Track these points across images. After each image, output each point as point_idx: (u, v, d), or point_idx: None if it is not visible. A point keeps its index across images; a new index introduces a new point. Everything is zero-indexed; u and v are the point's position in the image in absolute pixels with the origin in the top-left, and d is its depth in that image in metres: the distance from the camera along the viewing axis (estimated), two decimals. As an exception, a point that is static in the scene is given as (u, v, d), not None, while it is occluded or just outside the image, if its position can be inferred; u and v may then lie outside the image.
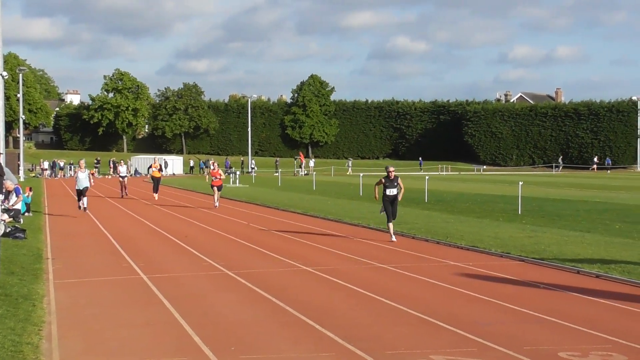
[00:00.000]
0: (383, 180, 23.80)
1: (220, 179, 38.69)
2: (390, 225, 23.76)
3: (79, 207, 33.38)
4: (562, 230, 25.12)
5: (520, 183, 36.77)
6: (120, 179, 49.05)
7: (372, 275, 16.89)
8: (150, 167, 47.30)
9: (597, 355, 10.05)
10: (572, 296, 14.32)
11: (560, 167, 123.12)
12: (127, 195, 47.86)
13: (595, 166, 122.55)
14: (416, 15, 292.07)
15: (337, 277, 16.61)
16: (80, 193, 33.19)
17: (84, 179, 32.91)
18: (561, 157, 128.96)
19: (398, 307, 13.24)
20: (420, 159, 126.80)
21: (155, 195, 44.22)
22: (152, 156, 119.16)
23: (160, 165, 47.40)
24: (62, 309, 13.22)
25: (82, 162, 34.44)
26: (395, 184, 23.83)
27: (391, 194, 23.77)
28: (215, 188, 38.29)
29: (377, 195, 25.25)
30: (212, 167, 39.79)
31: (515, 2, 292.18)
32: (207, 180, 38.79)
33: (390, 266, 18.15)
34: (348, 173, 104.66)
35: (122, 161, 55.77)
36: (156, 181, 45.17)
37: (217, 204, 37.91)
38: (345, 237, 24.49)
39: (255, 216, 32.92)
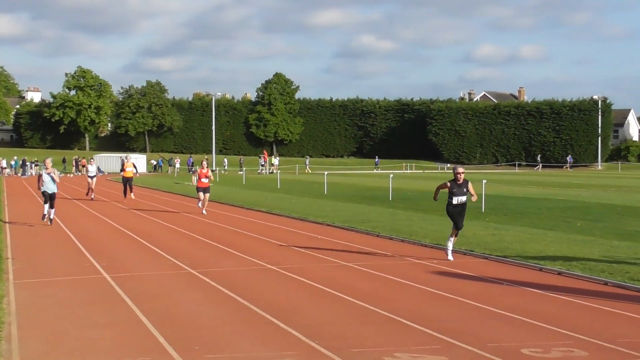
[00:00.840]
0: (449, 185, 19.25)
1: (209, 180, 33.50)
2: (452, 241, 19.39)
3: (43, 216, 27.78)
4: (525, 228, 25.28)
5: (484, 181, 36.96)
6: (89, 179, 44.71)
7: (337, 274, 16.91)
8: (123, 165, 42.94)
9: (559, 351, 10.13)
10: (534, 293, 14.42)
11: (540, 167, 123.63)
12: (93, 199, 43.32)
13: (568, 165, 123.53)
14: (382, 14, 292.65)
15: (302, 275, 16.61)
16: (48, 198, 27.56)
17: (49, 181, 27.63)
18: (539, 155, 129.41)
19: (363, 305, 13.26)
20: (376, 157, 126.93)
21: (131, 195, 41.73)
22: (115, 155, 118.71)
23: (134, 164, 43.13)
24: (23, 309, 13.11)
25: (49, 161, 28.85)
26: (465, 189, 19.14)
27: (459, 202, 19.06)
28: (201, 192, 33.16)
29: (437, 197, 20.43)
30: (201, 167, 33.99)
31: (480, 1, 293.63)
32: (192, 183, 34.84)
33: (355, 264, 18.18)
34: (306, 171, 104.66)
35: (91, 159, 49.65)
36: (128, 181, 42.04)
37: (204, 210, 33.00)
38: (309, 235, 24.49)
39: (220, 215, 32.83)
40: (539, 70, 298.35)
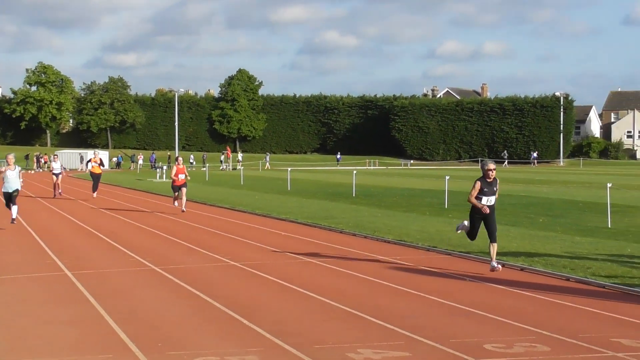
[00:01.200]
0: (479, 184, 16.30)
1: (185, 177, 32.07)
2: (494, 248, 16.42)
3: (13, 220, 25.91)
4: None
5: (447, 177, 37.12)
6: (54, 176, 43.14)
7: (300, 270, 16.91)
8: (90, 161, 42.94)
9: (521, 346, 10.18)
10: (497, 289, 14.49)
11: (506, 163, 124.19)
12: (60, 194, 42.74)
13: (535, 162, 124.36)
14: (346, 10, 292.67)
15: (265, 272, 16.59)
16: (9, 198, 25.81)
17: (13, 179, 25.62)
18: (505, 152, 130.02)
19: (326, 302, 13.27)
20: (338, 154, 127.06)
21: (94, 194, 40.68)
22: (77, 151, 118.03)
23: (101, 160, 42.64)
24: (-15, 306, 13.01)
25: (11, 157, 26.13)
26: (495, 188, 16.43)
27: (489, 203, 16.30)
28: (181, 189, 31.64)
29: (481, 206, 16.27)
30: (177, 163, 32.75)
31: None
32: (173, 176, 31.88)
33: (318, 261, 18.19)
34: (266, 167, 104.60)
35: (55, 156, 48.00)
36: (96, 178, 41.10)
37: (184, 208, 31.65)
38: (273, 232, 24.47)
39: (182, 211, 32.72)
40: (502, 66, 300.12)
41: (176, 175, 31.74)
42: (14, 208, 25.74)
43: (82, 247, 21.42)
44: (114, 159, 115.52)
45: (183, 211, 31.22)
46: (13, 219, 25.83)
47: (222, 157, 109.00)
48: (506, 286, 14.69)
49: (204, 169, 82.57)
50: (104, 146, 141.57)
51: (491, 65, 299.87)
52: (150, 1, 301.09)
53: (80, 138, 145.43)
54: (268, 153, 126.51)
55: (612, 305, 12.79)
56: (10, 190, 25.70)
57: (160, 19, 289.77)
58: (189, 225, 27.03)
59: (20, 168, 26.63)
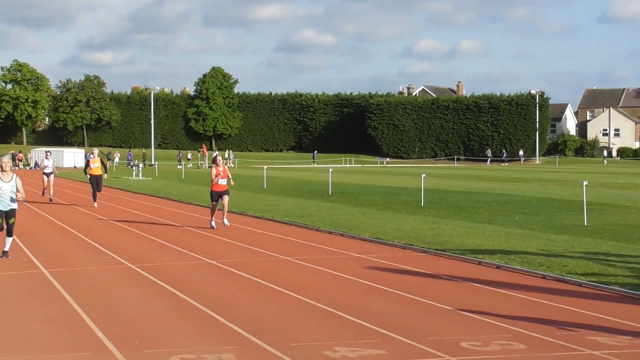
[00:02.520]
0: None
1: (228, 182, 24.90)
2: None
3: (4, 253, 18.35)
4: (464, 222, 25.47)
5: (423, 175, 37.19)
6: (45, 176, 38.45)
7: (276, 268, 16.89)
8: (88, 162, 35.77)
9: (498, 344, 10.21)
10: (473, 287, 14.53)
11: (489, 160, 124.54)
12: (52, 199, 37.65)
13: (522, 159, 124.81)
14: (322, 8, 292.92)
15: (241, 269, 16.56)
16: (3, 223, 17.93)
17: (8, 193, 17.76)
18: (488, 150, 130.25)
19: (302, 300, 13.26)
20: (315, 152, 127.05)
21: (94, 204, 34.32)
22: (53, 149, 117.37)
23: (101, 161, 36.18)
24: (-40, 305, 12.93)
25: (6, 160, 17.70)
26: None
27: None
28: (222, 197, 24.60)
29: None
30: (216, 163, 24.84)
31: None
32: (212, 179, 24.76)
33: (294, 259, 18.18)
34: (229, 165, 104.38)
35: (48, 153, 41.85)
36: (96, 182, 34.73)
37: (226, 220, 24.69)
38: (248, 230, 24.43)
39: (158, 209, 32.64)
40: (478, 65, 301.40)
41: (216, 178, 24.58)
42: (8, 240, 18.27)
43: (58, 244, 21.32)
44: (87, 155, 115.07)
45: (226, 225, 24.48)
46: (5, 252, 18.33)
47: (180, 156, 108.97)
48: (482, 284, 14.72)
49: (180, 167, 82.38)
50: (80, 144, 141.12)
51: (467, 63, 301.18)
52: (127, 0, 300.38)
53: (56, 136, 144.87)
54: (230, 151, 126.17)
55: (589, 303, 12.84)
56: (6, 209, 17.84)
57: (137, 17, 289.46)
58: (164, 222, 26.95)
59: (17, 177, 18.10)
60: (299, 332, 10.93)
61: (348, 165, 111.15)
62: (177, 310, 12.56)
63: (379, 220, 26.26)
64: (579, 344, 10.17)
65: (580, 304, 12.81)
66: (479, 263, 17.18)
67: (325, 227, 24.50)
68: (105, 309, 12.60)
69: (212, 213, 25.06)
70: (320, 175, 66.32)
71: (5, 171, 17.84)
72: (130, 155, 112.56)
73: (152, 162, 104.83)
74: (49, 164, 39.04)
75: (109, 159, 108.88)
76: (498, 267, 16.70)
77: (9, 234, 18.18)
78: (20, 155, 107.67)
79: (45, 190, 38.47)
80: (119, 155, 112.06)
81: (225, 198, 24.55)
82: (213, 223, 24.77)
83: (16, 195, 17.91)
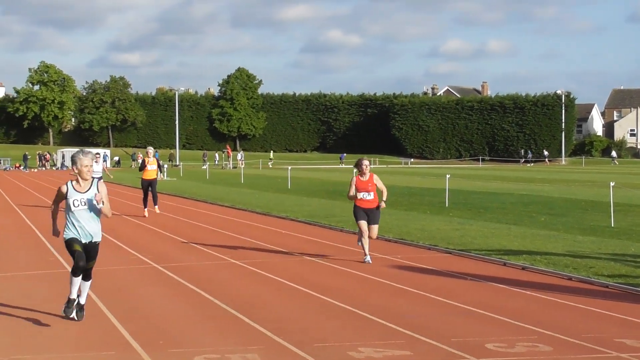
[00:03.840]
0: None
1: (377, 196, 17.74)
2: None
3: (71, 309, 11.68)
4: (489, 223, 25.36)
5: (448, 176, 37.09)
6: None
7: (301, 269, 16.88)
8: (144, 164, 30.83)
9: (523, 346, 10.15)
10: (498, 288, 14.46)
11: (523, 161, 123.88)
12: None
13: (547, 160, 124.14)
14: (350, 8, 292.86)
15: (266, 270, 16.56)
16: (83, 264, 11.59)
17: (87, 206, 11.62)
18: (523, 150, 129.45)
19: (326, 300, 13.24)
20: (343, 154, 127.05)
21: (156, 207, 30.56)
22: (79, 149, 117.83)
23: (158, 162, 31.56)
24: (-14, 304, 12.98)
25: (86, 161, 11.65)
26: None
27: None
28: (370, 216, 17.55)
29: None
30: (362, 169, 17.51)
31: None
32: (351, 193, 17.63)
33: (319, 259, 18.15)
34: (240, 165, 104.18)
35: (97, 155, 33.99)
36: (149, 186, 30.22)
37: (368, 255, 17.48)
38: (273, 230, 24.43)
39: (183, 209, 32.70)
40: (505, 64, 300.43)
41: (358, 189, 17.54)
42: (84, 286, 11.76)
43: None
44: (116, 158, 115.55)
45: (367, 262, 17.34)
46: (78, 305, 11.70)
47: (223, 155, 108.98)
48: (508, 285, 14.65)
49: (204, 167, 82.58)
50: (106, 145, 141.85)
51: (494, 63, 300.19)
52: (156, 0, 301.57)
53: (82, 137, 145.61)
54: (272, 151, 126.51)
55: (616, 305, 12.73)
56: (83, 239, 11.70)
57: (166, 18, 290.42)
58: (189, 222, 27.00)
59: (100, 184, 11.82)
60: (323, 333, 10.91)
61: (372, 166, 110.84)
62: (202, 310, 12.57)
63: (404, 220, 26.20)
64: (606, 347, 10.09)
65: (607, 305, 12.71)
66: (504, 264, 17.10)
67: (350, 227, 24.42)
68: (131, 308, 12.63)
69: (360, 236, 17.78)
70: (344, 175, 66.25)
71: (84, 179, 11.53)
72: (157, 155, 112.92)
73: (177, 163, 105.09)
74: (97, 169, 31.03)
75: (133, 160, 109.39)
76: (523, 268, 16.61)
77: (88, 276, 11.78)
78: (48, 155, 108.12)
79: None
80: (141, 155, 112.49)
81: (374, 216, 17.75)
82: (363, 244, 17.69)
83: (99, 206, 11.58)
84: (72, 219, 11.63)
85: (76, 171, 11.62)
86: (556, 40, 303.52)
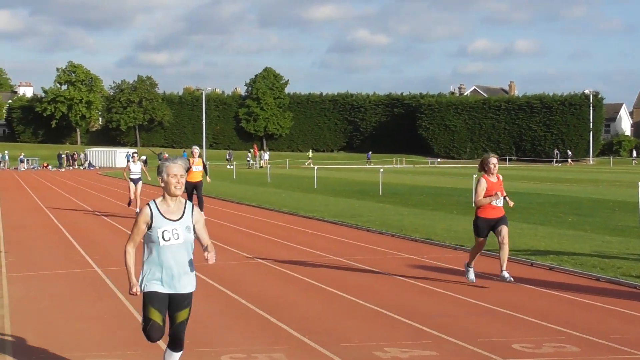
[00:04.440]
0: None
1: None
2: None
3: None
4: (516, 223, 25.24)
5: (474, 176, 36.91)
6: (132, 183, 30.03)
7: (327, 268, 16.88)
8: (190, 163, 26.81)
9: (550, 346, 10.11)
10: (525, 288, 14.40)
11: (555, 161, 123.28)
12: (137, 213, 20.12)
13: (570, 160, 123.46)
14: (377, 8, 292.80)
15: (292, 269, 16.58)
16: (173, 311, 8.64)
17: (182, 241, 8.49)
18: (556, 150, 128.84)
19: (352, 300, 13.24)
20: (369, 153, 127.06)
21: (202, 215, 24.40)
22: (107, 149, 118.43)
23: (204, 163, 28.76)
24: (15, 302, 13.07)
25: (175, 168, 8.15)
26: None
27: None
28: (499, 230, 14.66)
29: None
30: (490, 168, 15.79)
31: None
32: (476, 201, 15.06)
33: (345, 259, 18.15)
34: (262, 165, 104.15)
35: (134, 154, 31.77)
36: (194, 189, 27.37)
37: (507, 272, 14.65)
38: (299, 230, 24.46)
39: (210, 209, 32.79)
40: (533, 64, 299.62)
41: (487, 194, 14.89)
42: (173, 357, 8.78)
43: (108, 241, 21.46)
44: (143, 157, 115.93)
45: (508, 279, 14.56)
46: None
47: (249, 155, 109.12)
48: (534, 286, 14.59)
49: (230, 167, 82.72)
50: (133, 144, 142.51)
51: (522, 62, 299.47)
52: (184, 0, 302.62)
53: (109, 136, 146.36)
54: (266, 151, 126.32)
55: (642, 305, 12.68)
56: (169, 290, 8.51)
57: (193, 17, 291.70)
58: (215, 222, 27.05)
59: (196, 212, 8.66)
60: (349, 332, 10.91)
61: (399, 166, 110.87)
62: (228, 309, 12.60)
63: (430, 220, 26.16)
64: (634, 347, 10.04)
65: (635, 306, 12.64)
66: (531, 264, 17.04)
67: (376, 227, 24.44)
68: (157, 307, 12.66)
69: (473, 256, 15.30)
70: (370, 175, 66.23)
71: (174, 195, 8.27)
72: (185, 155, 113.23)
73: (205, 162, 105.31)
74: (136, 168, 30.43)
75: (159, 159, 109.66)
76: (550, 268, 16.55)
77: (177, 346, 8.76)
78: (76, 155, 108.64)
79: (132, 201, 30.06)
80: (167, 155, 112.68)
81: (504, 230, 14.70)
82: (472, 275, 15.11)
83: (206, 256, 8.57)
84: (157, 258, 8.34)
85: (162, 184, 8.25)
86: (585, 39, 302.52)
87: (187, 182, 23.07)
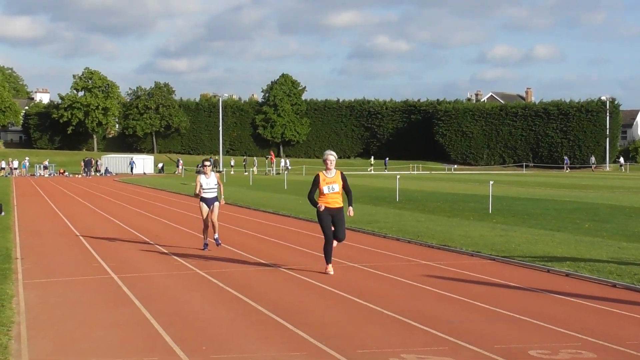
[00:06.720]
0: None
1: None
2: None
3: None
4: (532, 229, 25.22)
5: (491, 182, 36.90)
6: (204, 205, 21.11)
7: (343, 274, 16.88)
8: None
9: (566, 353, 10.10)
10: (542, 295, 14.38)
11: (566, 167, 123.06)
12: (220, 243, 21.18)
13: (593, 166, 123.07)
14: (398, 14, 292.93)
15: (308, 276, 16.59)
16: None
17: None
18: (565, 157, 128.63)
19: (369, 306, 13.24)
20: (386, 158, 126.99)
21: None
22: (123, 155, 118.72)
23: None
24: (32, 309, 13.12)
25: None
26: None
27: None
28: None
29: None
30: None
31: (496, 1, 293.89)
32: None
33: (361, 265, 18.16)
34: (281, 172, 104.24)
35: (207, 163, 21.57)
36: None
37: None
38: (316, 236, 24.44)
39: (225, 215, 32.83)
40: (552, 70, 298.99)
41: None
42: None
43: (126, 249, 21.52)
44: (160, 164, 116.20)
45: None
46: None
47: (245, 162, 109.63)
48: (551, 292, 14.56)
49: (247, 173, 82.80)
50: (149, 151, 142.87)
51: (540, 68, 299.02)
52: (205, 7, 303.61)
53: (126, 143, 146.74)
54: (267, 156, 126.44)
55: (659, 312, 12.63)
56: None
57: (214, 24, 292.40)
58: (232, 228, 27.09)
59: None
60: (365, 339, 10.92)
61: (415, 172, 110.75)
62: (245, 315, 12.62)
63: (447, 227, 26.13)
64: (650, 354, 10.02)
65: (651, 312, 12.62)
66: (548, 271, 17.01)
67: (393, 233, 24.43)
68: (173, 314, 12.71)
69: None
70: (387, 181, 66.18)
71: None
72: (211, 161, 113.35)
73: (220, 169, 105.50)
74: (212, 182, 21.29)
75: (177, 166, 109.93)
76: (567, 274, 16.51)
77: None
78: (93, 161, 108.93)
79: (207, 231, 21.42)
80: (182, 162, 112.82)
81: None
82: None
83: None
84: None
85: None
86: (606, 45, 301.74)
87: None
